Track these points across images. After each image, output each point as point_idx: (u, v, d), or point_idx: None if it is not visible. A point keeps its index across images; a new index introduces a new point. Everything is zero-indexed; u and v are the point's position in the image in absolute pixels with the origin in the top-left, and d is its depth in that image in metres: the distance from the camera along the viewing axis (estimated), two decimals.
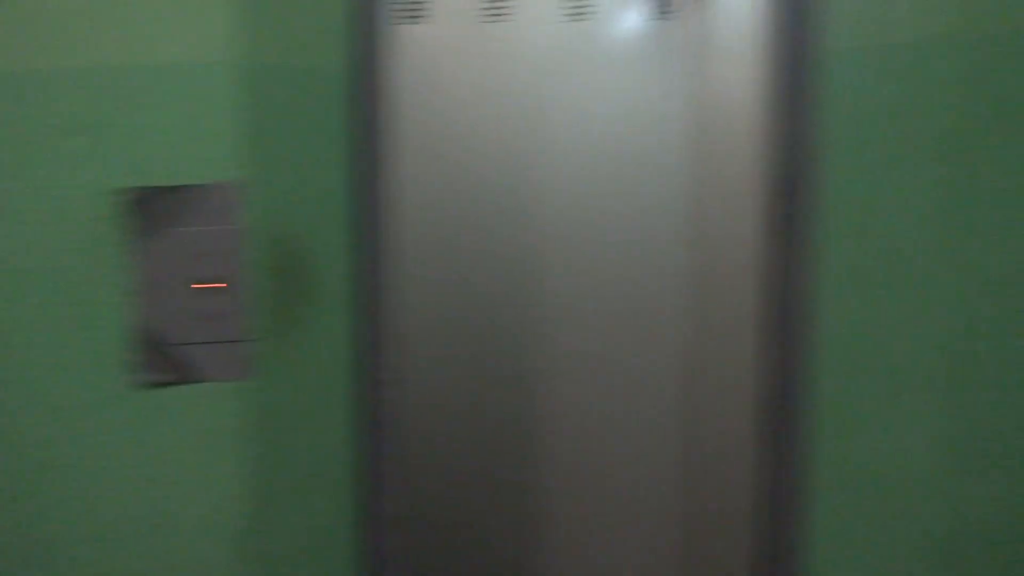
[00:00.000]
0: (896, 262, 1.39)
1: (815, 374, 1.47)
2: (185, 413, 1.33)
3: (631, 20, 2.79)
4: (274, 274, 1.35)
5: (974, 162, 1.32)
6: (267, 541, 1.39)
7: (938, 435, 1.38)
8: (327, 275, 1.43)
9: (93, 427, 1.33)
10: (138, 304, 1.30)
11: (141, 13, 1.29)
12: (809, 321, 1.49)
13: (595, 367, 2.86)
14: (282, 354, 1.37)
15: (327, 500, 1.47)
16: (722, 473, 2.46)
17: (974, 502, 1.38)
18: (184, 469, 1.34)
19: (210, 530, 1.36)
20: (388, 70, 1.52)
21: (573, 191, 2.81)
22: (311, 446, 1.43)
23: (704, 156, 2.75)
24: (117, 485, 1.35)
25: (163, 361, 1.31)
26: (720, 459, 2.48)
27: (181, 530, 1.36)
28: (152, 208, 1.29)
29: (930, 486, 1.39)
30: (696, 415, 2.82)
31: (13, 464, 1.33)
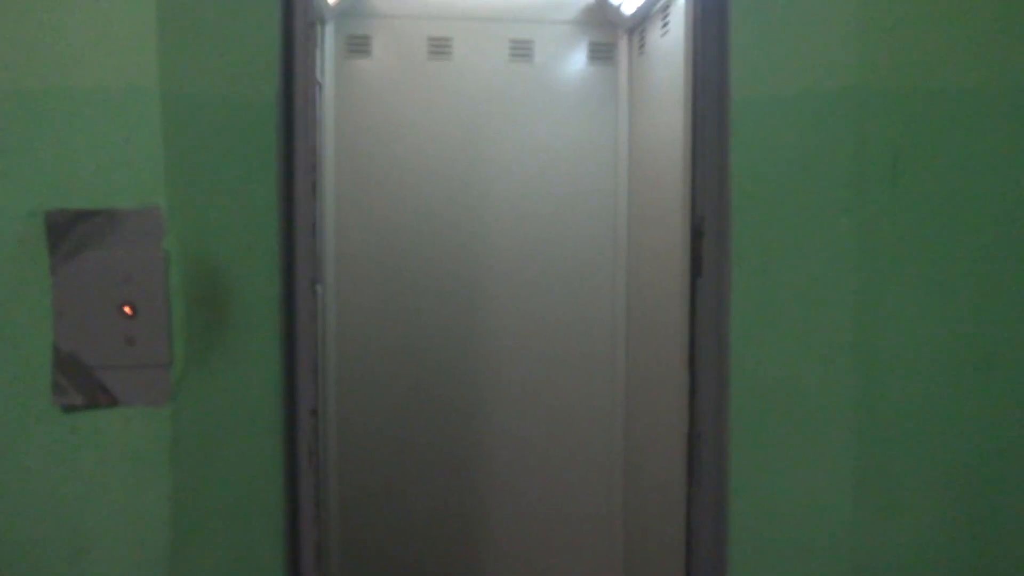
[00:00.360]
0: (805, 305, 1.44)
1: (733, 412, 1.52)
2: (106, 437, 1.33)
3: (570, 63, 2.87)
4: (196, 300, 1.35)
5: (874, 211, 1.39)
6: (191, 567, 1.38)
7: (847, 474, 1.42)
8: (251, 301, 1.43)
9: (13, 449, 1.32)
10: (59, 327, 1.30)
11: (67, 35, 1.30)
12: (725, 360, 1.54)
13: (531, 399, 2.89)
14: (204, 379, 1.37)
15: (252, 526, 1.46)
16: (658, 507, 2.50)
17: (882, 540, 1.42)
18: (107, 493, 1.33)
19: (134, 556, 1.35)
20: (319, 102, 1.54)
21: (509, 224, 2.85)
22: (235, 472, 1.43)
23: (634, 195, 2.82)
24: (38, 508, 1.33)
25: (84, 384, 1.31)
26: (656, 494, 2.52)
27: (104, 556, 1.34)
28: (73, 231, 1.29)
29: (839, 523, 1.43)
30: (629, 449, 2.86)
31: None
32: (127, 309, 1.30)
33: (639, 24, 2.73)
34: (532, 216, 2.86)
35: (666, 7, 2.42)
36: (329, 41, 2.69)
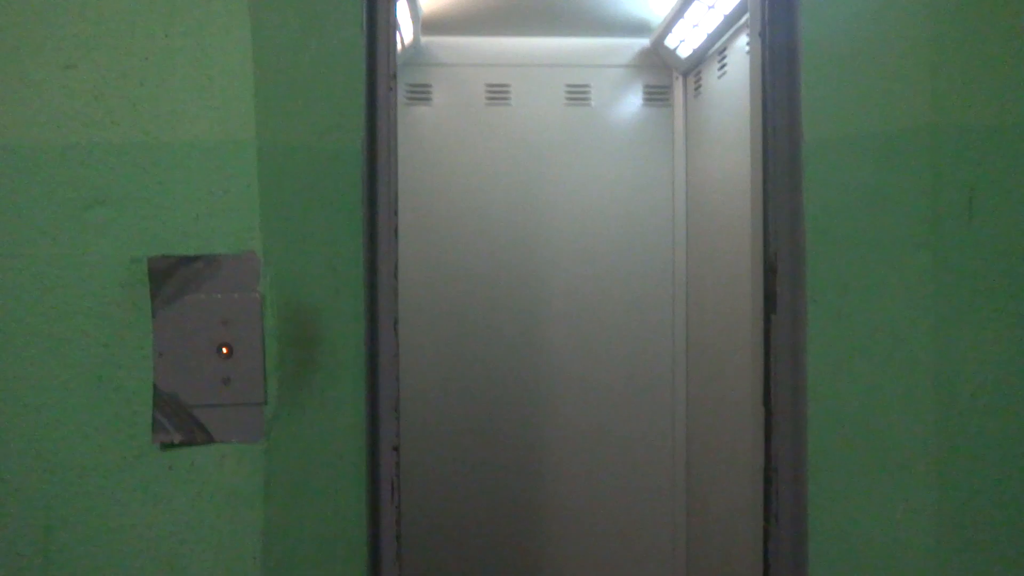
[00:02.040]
0: (882, 341, 1.45)
1: (811, 449, 1.52)
2: (202, 474, 1.38)
3: (626, 106, 2.93)
4: (289, 341, 1.41)
5: (949, 247, 1.39)
6: None
7: (928, 512, 1.41)
8: (338, 342, 1.48)
9: (112, 486, 1.37)
10: (159, 368, 1.36)
11: (170, 91, 1.37)
12: (802, 397, 1.55)
13: (597, 438, 2.90)
14: (295, 417, 1.42)
15: (337, 561, 1.49)
16: (724, 542, 2.48)
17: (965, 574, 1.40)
18: (201, 529, 1.38)
19: None
20: (397, 151, 1.60)
21: (568, 263, 2.89)
22: (322, 507, 1.46)
23: (693, 233, 2.85)
24: (134, 544, 1.38)
25: (182, 423, 1.36)
26: (722, 528, 2.50)
27: None
28: (174, 276, 1.36)
29: (921, 562, 1.41)
30: (698, 487, 2.84)
31: (30, 524, 1.37)
32: (224, 350, 1.35)
33: (695, 67, 2.78)
34: (590, 254, 2.90)
35: (723, 49, 2.46)
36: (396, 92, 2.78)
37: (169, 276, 1.36)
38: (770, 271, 1.58)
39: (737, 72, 2.32)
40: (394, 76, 1.59)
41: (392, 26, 1.60)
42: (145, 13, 1.37)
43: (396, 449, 1.57)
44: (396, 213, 1.58)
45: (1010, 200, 1.40)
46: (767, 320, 1.59)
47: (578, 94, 2.90)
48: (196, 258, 1.36)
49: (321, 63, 1.46)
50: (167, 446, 1.37)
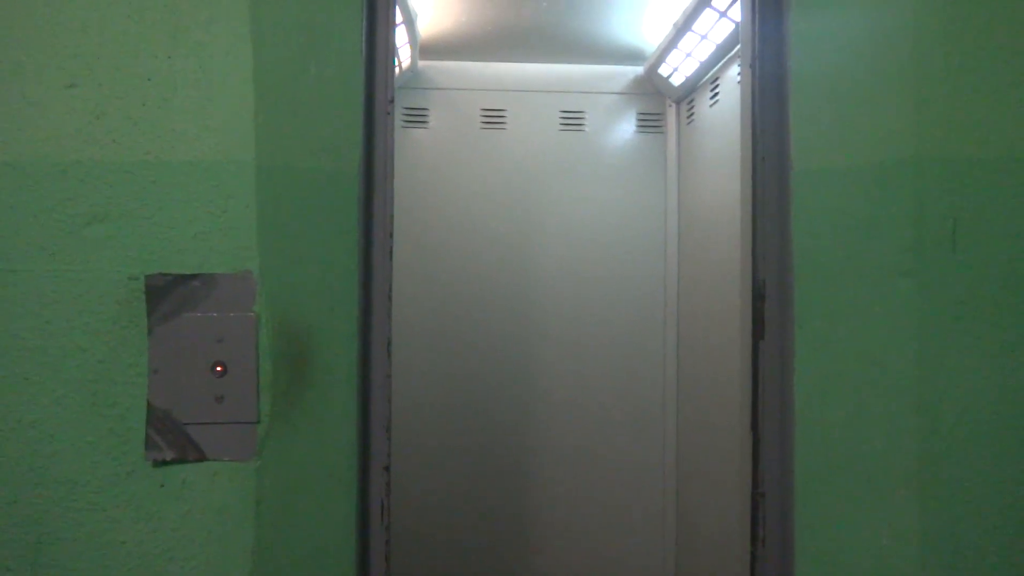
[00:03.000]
0: (867, 367, 1.47)
1: (797, 473, 1.54)
2: (194, 491, 1.38)
3: (620, 132, 2.97)
4: (282, 360, 1.42)
5: (933, 276, 1.42)
6: None
7: (912, 536, 1.42)
8: (332, 362, 1.49)
9: (102, 503, 1.38)
10: (154, 385, 1.37)
11: (171, 112, 1.40)
12: (789, 422, 1.57)
13: (588, 460, 2.91)
14: (287, 436, 1.43)
15: (327, 571, 1.50)
16: (712, 564, 2.48)
17: None
18: (192, 546, 1.38)
19: None
20: (394, 173, 1.63)
21: (563, 289, 2.92)
22: (312, 525, 1.47)
23: (684, 258, 2.88)
24: (122, 562, 1.38)
25: (175, 440, 1.37)
26: (711, 550, 2.50)
27: None
28: (171, 294, 1.37)
29: None
30: (688, 509, 2.85)
31: (20, 538, 1.37)
32: (218, 368, 1.36)
33: (687, 95, 2.82)
34: (583, 278, 2.92)
35: (715, 79, 2.50)
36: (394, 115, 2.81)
37: (166, 294, 1.37)
38: (759, 298, 1.61)
39: (729, 101, 2.36)
40: (391, 100, 1.61)
41: (390, 51, 1.63)
42: (148, 34, 1.40)
43: (387, 469, 1.58)
44: (391, 235, 1.60)
45: (992, 230, 1.43)
46: (755, 346, 1.61)
47: (572, 120, 2.94)
48: (193, 276, 1.38)
49: (320, 86, 1.49)
50: (159, 463, 1.38)
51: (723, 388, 2.38)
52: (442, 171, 2.90)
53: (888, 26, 1.45)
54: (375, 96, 1.60)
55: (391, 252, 1.60)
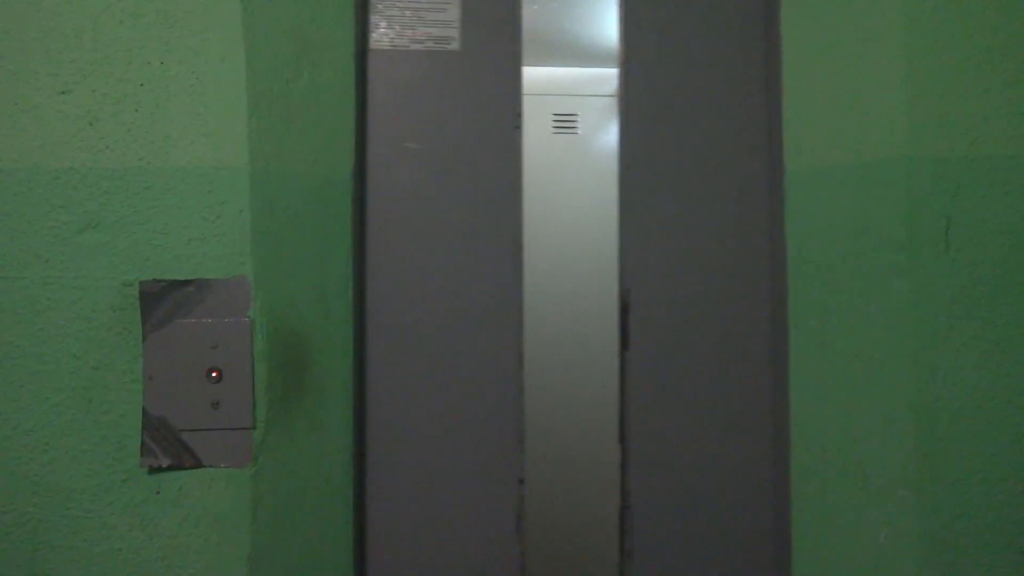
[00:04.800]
0: (863, 368, 1.47)
1: (794, 475, 1.54)
2: (189, 498, 1.38)
3: (614, 134, 2.97)
4: (278, 365, 1.42)
5: (927, 275, 1.43)
6: None
7: (907, 535, 1.43)
8: (327, 367, 1.49)
9: (97, 511, 1.37)
10: (149, 391, 1.36)
11: (164, 118, 1.39)
12: (786, 424, 1.57)
13: (586, 469, 2.90)
14: (283, 442, 1.43)
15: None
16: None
17: None
18: (188, 553, 1.38)
19: None
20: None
21: (555, 292, 2.91)
22: (309, 532, 1.47)
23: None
24: (119, 570, 1.37)
25: (170, 447, 1.37)
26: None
27: None
28: (165, 300, 1.37)
29: None
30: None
31: (16, 547, 1.36)
32: (214, 374, 1.36)
33: None
34: (576, 281, 2.92)
35: None
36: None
37: (160, 300, 1.37)
38: (624, 307, 1.61)
39: None
40: (519, 115, 1.65)
41: (517, 64, 1.65)
42: (141, 40, 1.39)
43: (522, 482, 1.61)
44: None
45: (986, 229, 1.43)
46: (621, 356, 1.61)
47: (565, 123, 2.95)
48: (187, 282, 1.37)
49: (314, 91, 1.49)
50: (155, 470, 1.38)
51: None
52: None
53: (880, 24, 1.45)
54: (368, 100, 1.60)
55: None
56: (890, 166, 1.44)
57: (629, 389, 1.60)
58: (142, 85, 1.39)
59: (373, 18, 1.61)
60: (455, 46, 1.61)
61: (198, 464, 1.38)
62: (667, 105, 1.62)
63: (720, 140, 1.63)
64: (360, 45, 1.60)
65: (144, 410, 1.37)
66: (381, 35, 1.61)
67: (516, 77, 1.63)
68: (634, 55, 1.63)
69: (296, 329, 1.44)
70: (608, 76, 2.97)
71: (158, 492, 1.38)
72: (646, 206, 1.61)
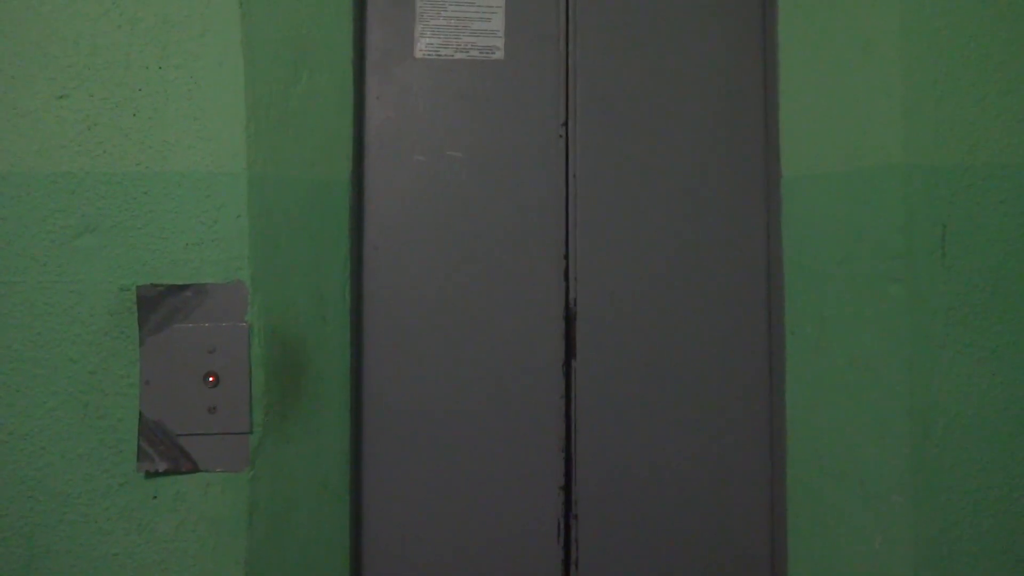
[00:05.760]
0: (859, 373, 1.47)
1: (790, 480, 1.55)
2: (186, 502, 1.38)
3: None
4: (275, 370, 1.42)
5: (923, 282, 1.43)
6: None
7: (903, 540, 1.43)
8: (324, 372, 1.49)
9: (94, 516, 1.37)
10: (146, 396, 1.36)
11: (162, 123, 1.39)
12: (779, 429, 1.57)
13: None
14: (280, 446, 1.42)
15: None
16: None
17: None
18: (185, 557, 1.37)
19: None
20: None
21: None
22: (305, 536, 1.47)
23: None
24: (121, 571, 1.37)
25: (167, 451, 1.37)
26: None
27: None
28: (163, 305, 1.37)
29: None
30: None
31: (12, 552, 1.36)
32: (211, 378, 1.36)
33: None
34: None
35: None
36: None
37: (157, 304, 1.37)
38: (571, 318, 1.62)
39: None
40: (564, 124, 1.64)
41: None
42: (139, 45, 1.39)
43: (563, 489, 1.60)
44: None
45: (981, 236, 1.44)
46: (567, 365, 1.62)
47: None
48: (185, 287, 1.37)
49: (312, 96, 1.49)
50: (152, 474, 1.37)
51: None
52: None
53: (876, 33, 1.45)
54: (365, 104, 1.60)
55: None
56: (886, 173, 1.44)
57: (575, 398, 1.62)
58: (140, 90, 1.39)
59: (419, 27, 1.62)
60: (499, 55, 1.62)
61: (195, 468, 1.37)
62: (657, 108, 1.62)
63: (714, 145, 1.63)
64: (358, 50, 1.60)
65: (141, 415, 1.37)
66: (427, 44, 1.62)
67: (559, 85, 1.63)
68: (620, 54, 1.63)
69: (293, 333, 1.44)
70: None
71: (155, 497, 1.38)
72: (635, 211, 1.62)
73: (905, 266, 1.43)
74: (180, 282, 1.38)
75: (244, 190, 1.39)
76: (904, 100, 1.43)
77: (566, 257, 1.62)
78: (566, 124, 1.64)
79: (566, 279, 1.62)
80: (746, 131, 1.64)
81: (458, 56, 1.62)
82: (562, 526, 1.61)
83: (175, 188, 1.39)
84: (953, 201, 1.43)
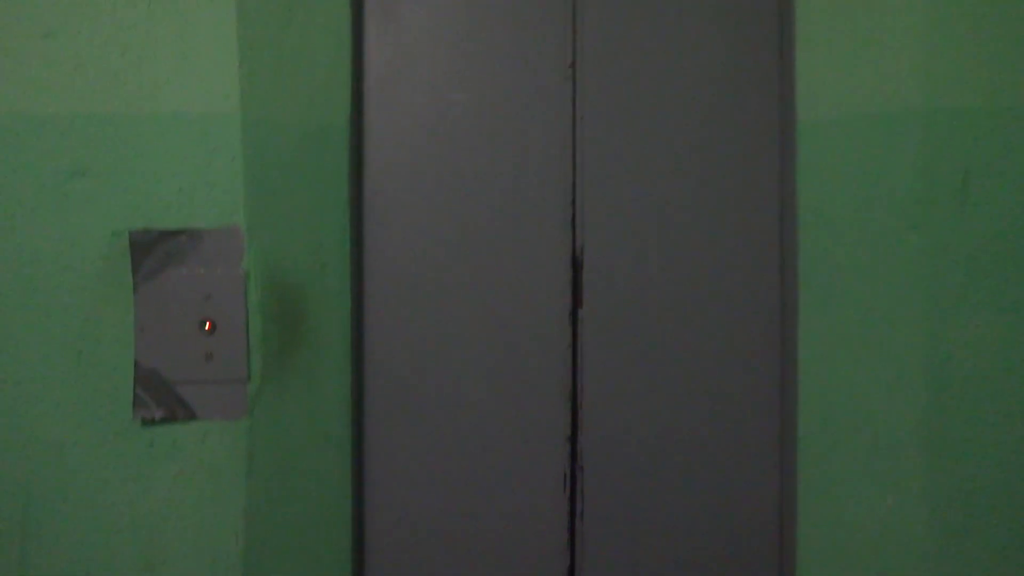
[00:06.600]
0: (871, 327, 1.43)
1: (801, 435, 1.51)
2: (184, 451, 1.36)
3: None
4: (273, 317, 1.39)
5: (942, 230, 1.38)
6: None
7: (916, 497, 1.40)
8: (324, 319, 1.46)
9: (91, 463, 1.35)
10: (141, 343, 1.34)
11: (151, 62, 1.35)
12: (792, 382, 1.54)
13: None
14: (279, 395, 1.40)
15: (322, 541, 1.48)
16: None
17: (956, 564, 1.39)
18: (182, 507, 1.36)
19: (207, 570, 1.37)
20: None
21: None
22: (307, 486, 1.45)
23: None
24: (117, 520, 1.36)
25: (165, 399, 1.34)
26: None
27: (178, 569, 1.37)
28: (156, 250, 1.34)
29: (912, 546, 1.41)
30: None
31: (17, 498, 1.35)
32: (207, 325, 1.33)
33: None
34: None
35: None
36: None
37: (151, 250, 1.34)
38: (577, 266, 1.57)
39: None
40: (572, 65, 1.58)
41: None
42: None
43: (569, 440, 1.58)
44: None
45: (1005, 183, 1.38)
46: (574, 313, 1.58)
47: None
48: (179, 232, 1.34)
49: (307, 36, 1.44)
50: (148, 423, 1.35)
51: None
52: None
53: None
54: (364, 45, 1.54)
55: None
56: (906, 117, 1.39)
57: (582, 347, 1.59)
58: (129, 28, 1.34)
59: None
60: None
61: (192, 416, 1.35)
62: (668, 50, 1.56)
63: (728, 89, 1.57)
64: None
65: (136, 362, 1.34)
66: None
67: (567, 24, 1.57)
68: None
69: (292, 280, 1.41)
70: None
71: (152, 445, 1.36)
72: (645, 156, 1.57)
73: (924, 213, 1.38)
74: (174, 227, 1.35)
75: (238, 132, 1.35)
76: (925, 41, 1.38)
77: (573, 203, 1.58)
78: (573, 65, 1.57)
79: (573, 225, 1.58)
80: (761, 74, 1.58)
81: None
82: (568, 477, 1.59)
83: (166, 130, 1.35)
84: (976, 146, 1.38)
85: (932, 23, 1.37)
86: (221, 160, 1.35)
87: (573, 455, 1.59)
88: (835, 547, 1.48)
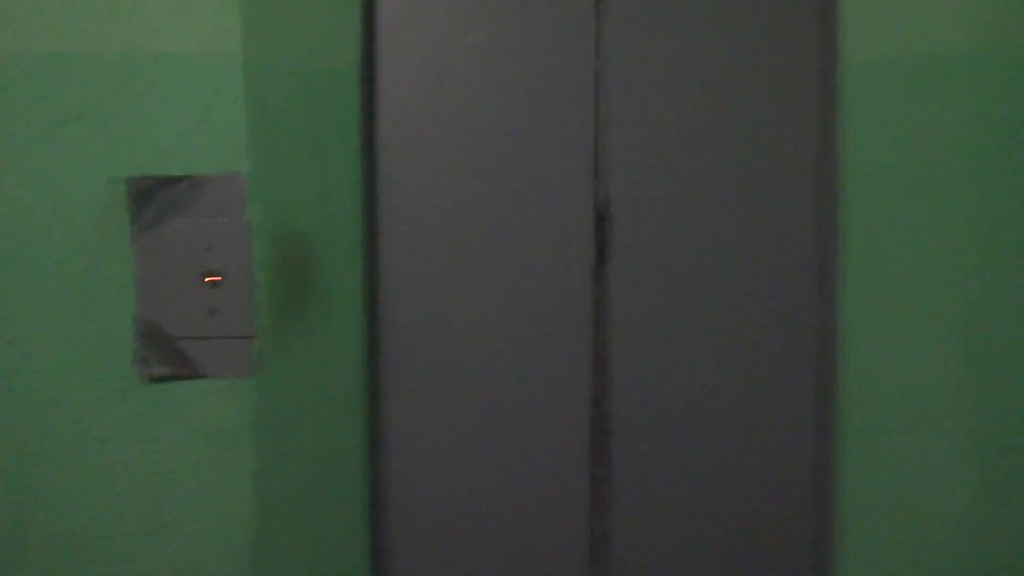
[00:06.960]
0: (917, 286, 1.38)
1: (842, 409, 1.47)
2: (189, 409, 1.31)
3: None
4: (279, 270, 1.34)
5: (993, 182, 1.32)
6: (274, 547, 1.37)
7: (964, 470, 1.37)
8: (333, 273, 1.42)
9: (95, 422, 1.31)
10: (141, 297, 1.28)
11: (146, 1, 1.27)
12: (832, 345, 1.49)
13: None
14: (287, 353, 1.35)
15: (335, 505, 1.45)
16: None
17: (1002, 536, 1.36)
18: (188, 468, 1.32)
19: (215, 532, 1.33)
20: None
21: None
22: (319, 448, 1.42)
23: None
24: (118, 482, 1.32)
25: (167, 356, 1.29)
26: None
27: (185, 532, 1.33)
28: (156, 199, 1.27)
29: (958, 519, 1.38)
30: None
31: (12, 458, 1.31)
32: (210, 278, 1.27)
33: None
34: None
35: None
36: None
37: (150, 198, 1.27)
38: (600, 219, 1.51)
39: None
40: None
41: None
42: None
43: (592, 402, 1.53)
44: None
45: None
46: (597, 270, 1.52)
47: None
48: (179, 179, 1.27)
49: None
50: (151, 380, 1.30)
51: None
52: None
53: None
54: None
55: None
56: (955, 62, 1.32)
57: (607, 305, 1.53)
58: None
59: None
60: None
61: (196, 374, 1.30)
62: None
63: (764, 29, 1.49)
64: None
65: (136, 316, 1.28)
66: None
67: None
68: None
69: (299, 232, 1.36)
70: None
71: (155, 404, 1.31)
72: (674, 102, 1.50)
73: (974, 165, 1.32)
74: (174, 174, 1.28)
75: (240, 74, 1.28)
76: None
77: (596, 152, 1.50)
78: (597, 4, 1.49)
79: (595, 176, 1.51)
80: (801, 10, 1.49)
81: None
82: (593, 440, 1.55)
83: (165, 72, 1.28)
84: None
85: None
86: (223, 103, 1.28)
87: (598, 418, 1.54)
88: (881, 511, 1.44)
